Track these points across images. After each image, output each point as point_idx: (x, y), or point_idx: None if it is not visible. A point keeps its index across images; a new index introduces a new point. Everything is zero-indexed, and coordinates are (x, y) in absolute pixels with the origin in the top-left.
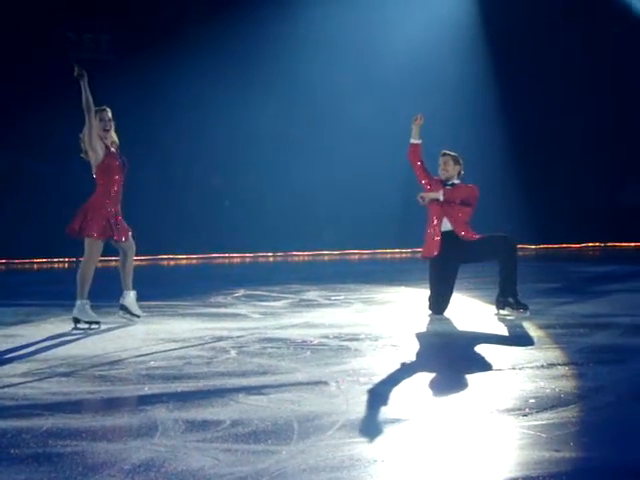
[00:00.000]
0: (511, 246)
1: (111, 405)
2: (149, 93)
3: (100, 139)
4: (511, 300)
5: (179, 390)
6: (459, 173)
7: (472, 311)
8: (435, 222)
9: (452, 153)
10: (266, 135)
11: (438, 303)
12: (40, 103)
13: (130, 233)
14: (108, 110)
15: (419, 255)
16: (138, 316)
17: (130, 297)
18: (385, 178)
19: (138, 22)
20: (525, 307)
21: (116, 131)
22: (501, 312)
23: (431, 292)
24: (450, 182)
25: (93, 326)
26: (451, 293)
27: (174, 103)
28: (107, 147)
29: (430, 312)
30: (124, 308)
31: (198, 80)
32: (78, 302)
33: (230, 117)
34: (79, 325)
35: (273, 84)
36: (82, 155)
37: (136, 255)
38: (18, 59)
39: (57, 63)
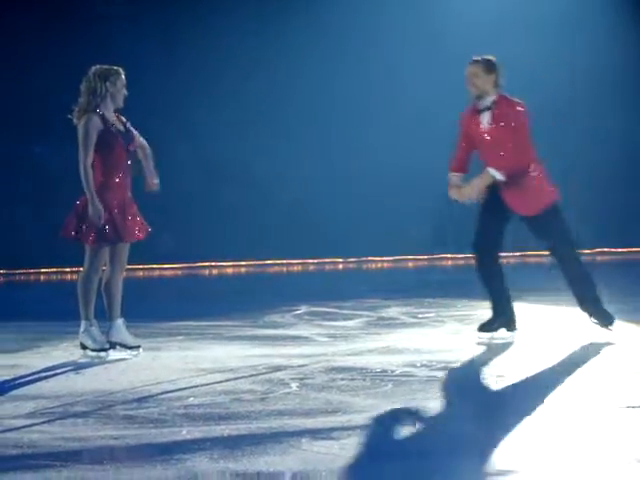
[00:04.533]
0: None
1: (140, 453)
2: (173, 55)
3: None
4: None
5: (226, 434)
6: (495, 84)
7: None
8: None
9: (483, 58)
10: (341, 119)
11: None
12: None
13: None
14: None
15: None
16: (138, 347)
17: (122, 328)
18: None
19: None
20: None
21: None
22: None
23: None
24: (486, 104)
25: (101, 354)
26: None
27: (208, 76)
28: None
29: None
30: (119, 345)
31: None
32: (82, 324)
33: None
34: (88, 352)
35: (347, 75)
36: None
37: (171, 262)
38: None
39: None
